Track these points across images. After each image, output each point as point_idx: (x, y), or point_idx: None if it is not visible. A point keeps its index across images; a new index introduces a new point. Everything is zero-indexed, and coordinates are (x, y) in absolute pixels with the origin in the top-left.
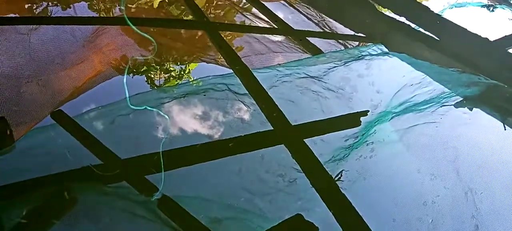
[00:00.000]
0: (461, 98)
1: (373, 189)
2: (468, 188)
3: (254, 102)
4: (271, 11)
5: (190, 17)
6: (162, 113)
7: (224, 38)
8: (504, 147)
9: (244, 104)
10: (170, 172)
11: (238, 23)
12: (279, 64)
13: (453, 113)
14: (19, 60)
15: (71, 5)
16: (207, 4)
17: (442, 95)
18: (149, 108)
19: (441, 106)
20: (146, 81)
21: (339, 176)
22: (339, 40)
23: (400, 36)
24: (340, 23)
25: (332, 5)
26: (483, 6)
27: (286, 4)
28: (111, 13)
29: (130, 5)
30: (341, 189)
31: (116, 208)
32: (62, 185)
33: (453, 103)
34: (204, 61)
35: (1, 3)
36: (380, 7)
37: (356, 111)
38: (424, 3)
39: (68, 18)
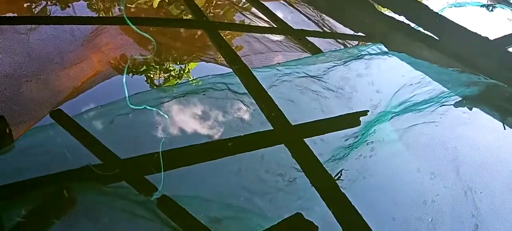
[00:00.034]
0: (461, 98)
1: (372, 188)
2: (467, 187)
3: (253, 101)
4: (270, 10)
5: (190, 16)
6: (161, 113)
7: (224, 37)
8: (503, 147)
9: (244, 104)
10: (169, 171)
11: (237, 22)
12: (279, 63)
13: (452, 113)
14: (18, 59)
15: (70, 5)
16: (206, 4)
17: (442, 95)
18: (149, 107)
19: (440, 106)
20: (145, 80)
21: (339, 175)
22: (339, 40)
23: (400, 35)
24: (340, 23)
25: (332, 5)
26: (482, 5)
27: (286, 4)
28: (110, 12)
29: (129, 5)
30: (340, 188)
31: (115, 208)
32: (61, 185)
33: (452, 103)
34: (203, 61)
35: (1, 3)
36: (380, 6)
37: (355, 111)
38: (423, 2)
39: (68, 17)
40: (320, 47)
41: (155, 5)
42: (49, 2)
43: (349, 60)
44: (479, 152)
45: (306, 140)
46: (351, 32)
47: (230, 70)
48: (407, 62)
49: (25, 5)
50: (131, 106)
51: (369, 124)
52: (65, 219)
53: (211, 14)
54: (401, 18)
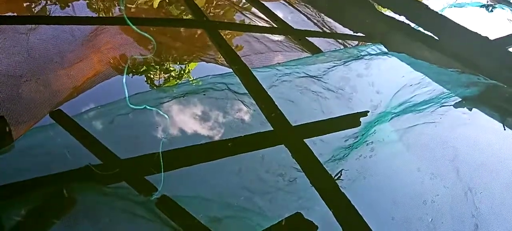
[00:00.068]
0: (461, 99)
1: (372, 188)
2: (467, 188)
3: (253, 102)
4: (270, 10)
5: (190, 16)
6: (161, 113)
7: (224, 37)
8: (503, 147)
9: (244, 104)
10: (169, 172)
11: (237, 22)
12: (279, 63)
13: (452, 114)
14: (18, 59)
15: (70, 4)
16: (206, 4)
17: (442, 95)
18: (149, 107)
19: (440, 107)
20: (145, 81)
21: (339, 175)
22: (338, 40)
23: (400, 35)
24: (340, 23)
25: (332, 5)
26: (482, 6)
27: (286, 4)
28: (110, 12)
29: (130, 5)
30: (340, 188)
31: (115, 208)
32: (61, 185)
33: (452, 103)
34: (203, 61)
35: (0, 3)
36: (380, 7)
37: (355, 111)
38: (424, 2)
39: (67, 18)
40: (320, 47)
41: (156, 5)
42: (49, 2)
43: (349, 61)
44: (479, 152)
45: (306, 140)
46: (351, 32)
47: (230, 70)
48: (407, 62)
49: (24, 5)
50: (131, 106)
51: (369, 124)
52: (65, 219)
53: (211, 14)
54: (401, 18)
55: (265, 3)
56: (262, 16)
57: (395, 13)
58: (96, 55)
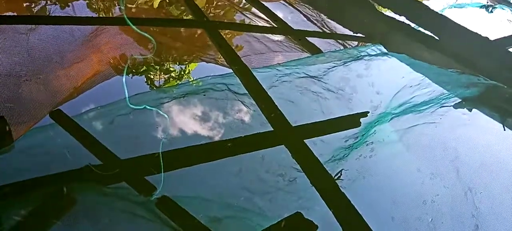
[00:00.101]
0: (461, 99)
1: (372, 188)
2: (467, 188)
3: (254, 102)
4: (270, 10)
5: (190, 17)
6: (161, 113)
7: (224, 37)
8: (503, 147)
9: (244, 105)
10: (169, 172)
11: (237, 22)
12: (279, 63)
13: (452, 114)
14: (18, 59)
15: (70, 4)
16: (207, 4)
17: (441, 96)
18: (149, 107)
19: (440, 107)
20: (145, 81)
21: (339, 175)
22: (338, 40)
23: (400, 36)
24: (340, 23)
25: (332, 5)
26: (482, 6)
27: (286, 4)
28: (110, 12)
29: (130, 5)
30: (340, 188)
31: (115, 209)
32: (61, 185)
33: (452, 104)
34: (203, 61)
35: (0, 2)
36: (380, 7)
37: (356, 112)
38: (424, 2)
39: (67, 18)
40: (320, 48)
41: (156, 5)
42: (49, 2)
43: (349, 61)
44: (479, 153)
45: (306, 140)
46: (351, 33)
47: (230, 70)
48: (406, 63)
49: (24, 4)
50: (131, 106)
51: (369, 124)
52: (65, 219)
53: (212, 15)
54: (401, 19)
55: (265, 4)
56: (262, 16)
57: (395, 13)
58: (96, 55)
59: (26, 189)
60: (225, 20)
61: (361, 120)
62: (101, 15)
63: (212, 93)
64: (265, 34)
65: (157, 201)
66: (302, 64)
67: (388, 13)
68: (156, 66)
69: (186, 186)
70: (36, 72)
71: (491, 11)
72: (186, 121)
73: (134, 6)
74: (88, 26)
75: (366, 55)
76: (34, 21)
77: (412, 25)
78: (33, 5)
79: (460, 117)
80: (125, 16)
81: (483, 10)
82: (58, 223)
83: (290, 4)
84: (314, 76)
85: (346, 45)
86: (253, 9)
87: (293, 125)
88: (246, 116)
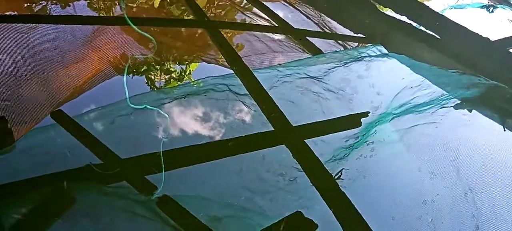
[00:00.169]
0: (461, 100)
1: (373, 187)
2: (468, 188)
3: (254, 103)
4: (271, 10)
5: (191, 17)
6: (162, 113)
7: (225, 37)
8: (503, 148)
9: (245, 105)
10: (170, 172)
11: (238, 22)
12: (280, 64)
13: (453, 115)
14: (19, 59)
15: (71, 4)
16: (208, 4)
17: (442, 97)
18: (149, 107)
19: (441, 108)
20: (146, 82)
21: (339, 174)
22: (339, 41)
23: (400, 36)
24: (340, 23)
25: (332, 5)
26: (482, 6)
27: (286, 4)
28: (111, 12)
29: (131, 4)
30: (341, 188)
31: (116, 208)
32: (62, 185)
33: (453, 105)
34: (204, 61)
35: (0, 2)
36: (381, 7)
37: (356, 112)
38: (424, 3)
39: (68, 17)
40: (320, 48)
41: (156, 5)
42: (49, 2)
43: (349, 62)
44: (480, 153)
45: (307, 140)
46: (352, 33)
47: (231, 71)
48: (407, 64)
49: (25, 4)
50: (132, 105)
51: (370, 124)
52: (66, 218)
53: (212, 14)
54: (402, 18)
55: (266, 3)
56: (263, 15)
57: (396, 13)
58: (97, 54)
59: (27, 189)
60: (226, 20)
61: (362, 120)
62: (101, 15)
63: (213, 94)
64: (266, 34)
65: (158, 200)
66: (302, 65)
67: (389, 12)
68: (157, 66)
69: (186, 185)
70: (37, 72)
71: (492, 11)
72: (187, 121)
73: (135, 5)
74: (89, 26)
75: (366, 56)
76: (35, 20)
77: (413, 25)
78: (33, 5)
79: (461, 117)
80: (126, 16)
81: (484, 10)
82: (59, 222)
83: (290, 4)
84: (315, 77)
85: (347, 45)
86: (254, 9)
87: (294, 125)
88: (247, 116)
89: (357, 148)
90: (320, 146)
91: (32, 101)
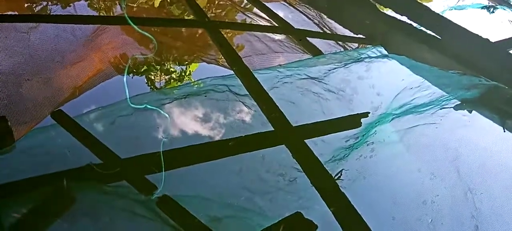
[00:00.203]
0: (461, 101)
1: (372, 188)
2: (468, 188)
3: (255, 103)
4: (271, 10)
5: (191, 17)
6: (162, 112)
7: (225, 37)
8: (503, 149)
9: (245, 106)
10: (170, 171)
11: (239, 22)
12: (280, 65)
13: (453, 116)
14: (19, 59)
15: (71, 4)
16: (208, 4)
17: (442, 98)
18: (150, 107)
19: (441, 109)
20: (146, 82)
21: (339, 175)
22: (339, 42)
23: (401, 36)
24: (340, 24)
25: (332, 5)
26: (483, 7)
27: (286, 4)
28: (111, 12)
29: (131, 4)
30: (341, 188)
31: (116, 207)
32: (62, 184)
33: (453, 105)
34: (204, 61)
35: (0, 1)
36: (381, 7)
37: (356, 113)
38: (425, 4)
39: (69, 16)
40: (320, 49)
41: (157, 5)
42: (50, 2)
43: (349, 63)
44: (479, 154)
45: (307, 140)
46: (352, 34)
47: (232, 71)
48: (407, 66)
49: (25, 4)
50: (132, 105)
51: (370, 125)
52: (66, 218)
53: (213, 14)
54: (403, 19)
55: (266, 4)
56: (263, 16)
57: (396, 13)
58: (97, 54)
59: (27, 188)
60: (227, 20)
61: (362, 120)
62: (102, 15)
63: (213, 95)
64: (266, 34)
65: (158, 200)
66: (303, 66)
67: (389, 13)
68: (157, 67)
69: (186, 185)
70: (37, 71)
71: (493, 12)
72: (187, 121)
73: (135, 5)
74: (89, 26)
75: (366, 57)
76: (35, 20)
77: (414, 25)
78: (34, 5)
79: (461, 118)
80: (126, 16)
81: (484, 11)
82: (58, 221)
83: (290, 4)
84: (315, 78)
85: (347, 46)
86: (254, 9)
87: (294, 125)
88: (247, 116)
89: (357, 148)
90: (320, 146)
91: (32, 101)
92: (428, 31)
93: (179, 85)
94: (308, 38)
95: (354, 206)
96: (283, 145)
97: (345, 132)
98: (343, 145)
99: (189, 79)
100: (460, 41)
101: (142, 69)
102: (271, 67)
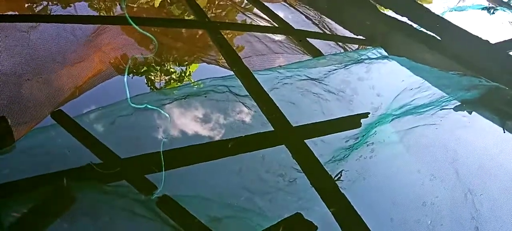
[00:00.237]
0: (461, 102)
1: (372, 189)
2: (467, 190)
3: (255, 104)
4: (272, 11)
5: (192, 17)
6: (162, 112)
7: (225, 37)
8: (503, 150)
9: (245, 106)
10: (170, 171)
11: (239, 22)
12: (280, 66)
13: (452, 116)
14: (20, 59)
15: (72, 4)
16: (208, 4)
17: (442, 99)
18: (150, 106)
19: (440, 110)
20: (146, 83)
21: (339, 175)
22: (339, 42)
23: (401, 37)
24: (340, 25)
25: (332, 6)
26: (483, 8)
27: (286, 5)
28: (111, 12)
29: (131, 4)
30: (340, 189)
31: (115, 207)
32: (62, 184)
33: (453, 106)
34: (205, 62)
35: (1, 1)
36: (382, 7)
37: (356, 113)
38: (425, 5)
39: (69, 16)
40: (321, 50)
41: (157, 4)
42: (50, 2)
43: (349, 64)
44: (479, 155)
45: (306, 141)
46: (352, 34)
47: (232, 72)
48: (407, 67)
49: (26, 5)
50: (133, 105)
51: (370, 125)
52: (66, 217)
53: (213, 15)
54: (403, 19)
55: (266, 4)
56: (264, 16)
57: (396, 14)
58: (98, 55)
59: (27, 188)
60: (227, 20)
61: (362, 120)
62: (102, 15)
63: (213, 95)
64: (266, 35)
65: (158, 199)
66: (303, 67)
67: (390, 13)
68: (157, 67)
69: (186, 185)
70: (37, 71)
71: (493, 13)
72: (187, 122)
73: (135, 5)
74: (90, 26)
75: (366, 59)
76: (36, 19)
77: (414, 26)
78: (34, 5)
79: (460, 119)
80: (127, 15)
81: (485, 12)
82: (58, 221)
83: (290, 4)
84: (315, 79)
85: (347, 48)
86: (255, 10)
87: (294, 125)
88: (247, 116)
89: (357, 148)
90: (320, 146)
91: (32, 101)
92: (429, 32)
93: (179, 86)
94: (308, 39)
95: (354, 207)
96: (283, 145)
97: (345, 132)
98: (343, 145)
99: (189, 79)
100: (460, 42)
101: (142, 70)
102: (271, 68)
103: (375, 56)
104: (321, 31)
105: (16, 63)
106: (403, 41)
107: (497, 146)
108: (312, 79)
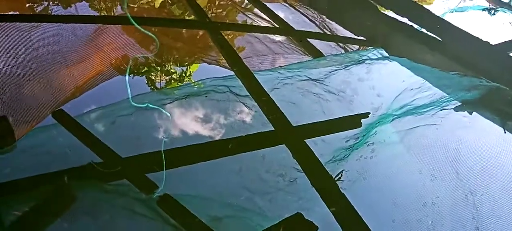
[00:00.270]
0: (462, 102)
1: (373, 189)
2: (468, 190)
3: (255, 104)
4: (272, 11)
5: (192, 17)
6: (163, 111)
7: (226, 38)
8: (504, 150)
9: (246, 106)
10: (170, 171)
11: (239, 23)
12: (281, 66)
13: (453, 117)
14: (21, 59)
15: (72, 5)
16: (209, 4)
17: (442, 99)
18: (151, 106)
19: (441, 110)
20: (147, 82)
21: (339, 176)
22: (340, 43)
23: (402, 38)
24: (341, 25)
25: (333, 7)
26: (484, 9)
27: (287, 5)
28: (112, 12)
29: (132, 5)
30: (341, 189)
31: (116, 206)
32: (62, 183)
33: (453, 107)
34: (205, 62)
35: (1, 0)
36: (382, 8)
37: (357, 113)
38: (425, 6)
39: (70, 16)
40: (321, 50)
41: (157, 5)
42: (51, 2)
43: (350, 65)
44: (480, 155)
45: (307, 140)
46: (352, 35)
47: (232, 72)
48: (407, 67)
49: (27, 4)
50: (134, 104)
51: (370, 125)
52: (66, 216)
53: (213, 15)
54: (404, 20)
55: (267, 4)
56: (264, 16)
57: (397, 14)
58: (98, 55)
59: (28, 187)
60: (227, 21)
61: (362, 120)
62: (103, 15)
63: (214, 95)
64: (267, 35)
65: (158, 199)
66: (303, 68)
67: (390, 14)
68: (158, 67)
69: (187, 184)
70: (38, 71)
71: (494, 14)
72: (188, 121)
73: (136, 5)
74: (90, 26)
75: (367, 59)
76: (37, 19)
77: (415, 27)
78: (35, 5)
79: (461, 119)
80: (129, 15)
81: (485, 13)
82: (59, 220)
83: (291, 5)
84: (316, 79)
85: (348, 48)
86: (255, 10)
87: (294, 125)
88: (247, 116)
89: (357, 148)
90: (320, 146)
91: (33, 101)
92: (429, 33)
93: (179, 86)
94: (308, 40)
95: (355, 207)
96: (284, 145)
97: (345, 132)
98: (343, 145)
99: (190, 80)
100: (461, 43)
101: (143, 70)
102: (271, 68)
103: (376, 57)
104: (322, 32)
105: (17, 63)
106: (404, 42)
107: (498, 146)
108: (312, 79)
